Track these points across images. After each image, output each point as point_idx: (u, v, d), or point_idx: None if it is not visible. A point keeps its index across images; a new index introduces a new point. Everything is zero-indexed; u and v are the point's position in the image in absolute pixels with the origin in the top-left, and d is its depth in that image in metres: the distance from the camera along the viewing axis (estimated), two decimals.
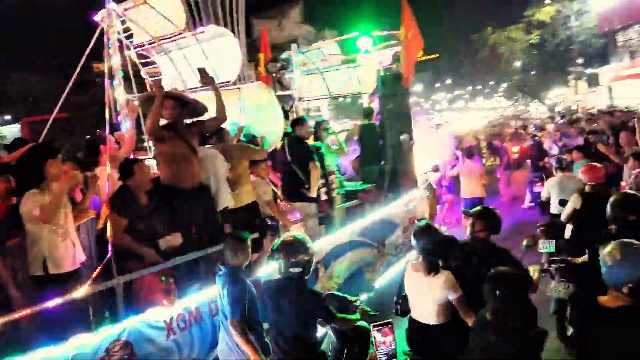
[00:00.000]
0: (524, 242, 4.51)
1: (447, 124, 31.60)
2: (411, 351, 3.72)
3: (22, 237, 3.63)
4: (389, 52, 8.19)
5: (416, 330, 3.69)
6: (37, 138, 5.82)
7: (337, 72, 8.00)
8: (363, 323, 3.87)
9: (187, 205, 4.45)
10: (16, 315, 3.17)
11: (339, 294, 4.32)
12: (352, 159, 8.06)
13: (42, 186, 3.62)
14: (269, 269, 4.37)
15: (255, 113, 5.35)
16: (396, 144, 7.47)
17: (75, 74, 5.00)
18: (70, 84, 5.07)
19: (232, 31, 5.74)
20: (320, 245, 5.44)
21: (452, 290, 3.50)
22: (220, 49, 5.19)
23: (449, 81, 51.94)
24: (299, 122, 5.74)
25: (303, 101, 8.31)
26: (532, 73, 36.60)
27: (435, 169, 8.57)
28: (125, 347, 3.40)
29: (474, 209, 4.12)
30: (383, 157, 7.54)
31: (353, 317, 3.81)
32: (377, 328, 3.49)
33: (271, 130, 5.60)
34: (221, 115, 4.50)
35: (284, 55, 7.93)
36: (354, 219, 6.24)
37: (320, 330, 3.91)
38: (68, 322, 3.38)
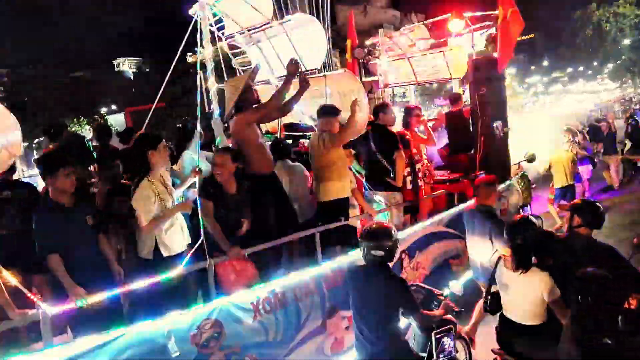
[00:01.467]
0: (635, 241, 4.07)
1: (541, 109, 29.60)
2: (501, 349, 3.53)
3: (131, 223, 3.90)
4: (483, 34, 7.74)
5: (508, 330, 3.49)
6: (140, 126, 6.23)
7: (425, 57, 7.71)
8: (448, 316, 3.70)
9: (268, 190, 4.58)
10: (118, 291, 3.42)
11: (425, 285, 4.22)
12: (441, 147, 7.79)
13: (149, 175, 3.86)
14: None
15: (340, 100, 5.31)
16: (488, 132, 7.09)
17: (172, 65, 5.24)
18: (169, 75, 5.36)
19: (318, 19, 5.72)
20: (405, 235, 5.34)
21: (548, 291, 3.26)
22: (307, 36, 5.19)
23: (545, 63, 48.40)
24: (382, 108, 5.60)
25: (390, 87, 8.13)
26: None
27: (531, 158, 8.00)
28: (215, 325, 3.56)
29: (573, 202, 3.79)
30: (473, 145, 7.20)
31: (436, 313, 3.65)
32: (437, 335, 3.34)
33: (357, 117, 5.51)
34: (287, 109, 4.61)
35: (370, 41, 7.79)
36: (441, 209, 6.04)
37: (404, 320, 3.74)
38: (165, 300, 3.60)
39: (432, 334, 3.35)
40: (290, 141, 5.55)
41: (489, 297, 3.71)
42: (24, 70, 34.03)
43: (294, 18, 5.08)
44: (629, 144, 12.25)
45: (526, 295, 3.35)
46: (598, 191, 11.46)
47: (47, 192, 3.66)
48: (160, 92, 5.39)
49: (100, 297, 3.25)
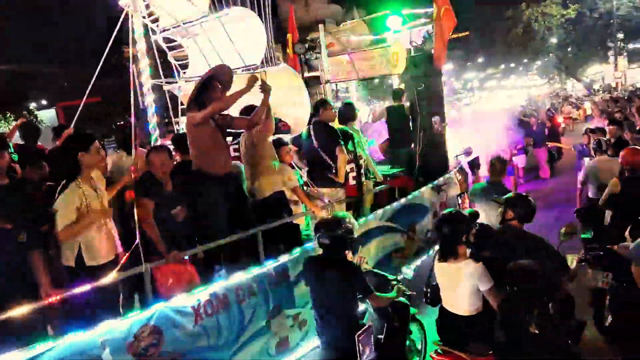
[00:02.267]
0: (562, 230, 4.31)
1: (477, 104, 30.88)
2: (441, 341, 3.63)
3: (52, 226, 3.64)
4: (420, 31, 7.91)
5: (447, 321, 3.59)
6: (69, 120, 5.90)
7: (366, 53, 7.78)
8: (401, 299, 3.93)
9: (216, 191, 4.45)
10: (47, 301, 3.21)
11: (379, 271, 4.44)
12: (381, 142, 7.90)
13: (78, 178, 3.62)
14: None
15: (280, 96, 5.24)
16: (427, 127, 7.27)
17: (102, 59, 4.97)
18: (99, 68, 5.07)
19: (259, 12, 5.61)
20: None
21: (482, 280, 3.38)
22: (245, 31, 5.08)
23: (480, 60, 50.44)
24: (322, 104, 5.59)
25: (331, 83, 8.15)
26: (568, 50, 35.14)
27: (468, 152, 8.30)
28: (154, 331, 3.42)
29: (506, 196, 3.95)
30: (413, 140, 7.36)
31: (389, 295, 3.85)
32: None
33: (297, 113, 5.49)
34: (256, 120, 4.55)
35: (310, 37, 7.77)
36: (383, 204, 6.12)
37: (362, 306, 3.97)
38: (98, 309, 3.41)
39: (355, 336, 3.45)
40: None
41: (428, 289, 3.81)
42: None
43: (231, 12, 4.95)
44: None
45: (461, 286, 3.45)
46: (531, 179, 12.26)
47: None
48: (90, 86, 5.09)
49: (20, 309, 3.02)
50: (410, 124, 7.45)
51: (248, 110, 4.84)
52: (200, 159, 4.45)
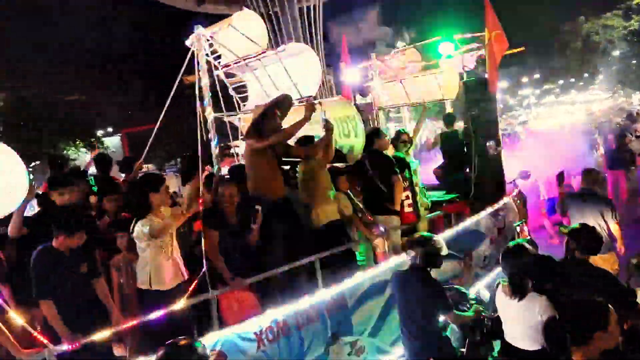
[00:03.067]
0: (633, 261, 4.11)
1: (534, 121, 29.87)
2: None
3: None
4: (472, 55, 7.90)
5: (510, 355, 3.52)
6: (135, 148, 6.30)
7: (418, 79, 7.84)
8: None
9: (271, 215, 4.63)
10: (121, 327, 3.44)
11: (458, 287, 4.66)
12: (436, 168, 7.89)
13: (149, 216, 3.93)
14: None
15: (336, 126, 5.40)
16: (482, 151, 7.20)
17: (172, 91, 5.29)
18: (169, 100, 5.41)
19: (311, 42, 5.81)
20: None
21: (547, 314, 3.30)
22: (301, 64, 5.31)
23: (537, 75, 48.99)
24: (376, 135, 5.71)
25: (383, 109, 8.26)
26: (633, 62, 33.48)
27: (525, 176, 8.09)
28: (220, 356, 3.57)
29: (571, 226, 3.85)
30: (468, 165, 7.29)
31: (467, 314, 4.05)
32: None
33: (352, 143, 5.61)
34: (313, 153, 4.90)
35: (362, 65, 7.94)
36: (439, 231, 6.08)
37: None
38: (167, 333, 3.61)
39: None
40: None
41: (490, 322, 3.75)
42: (23, 92, 34.19)
43: (288, 47, 5.19)
44: None
45: (525, 320, 3.38)
46: None
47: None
48: (162, 115, 5.44)
49: (101, 335, 3.26)
50: (465, 149, 7.40)
51: (306, 140, 5.03)
52: (256, 184, 4.67)
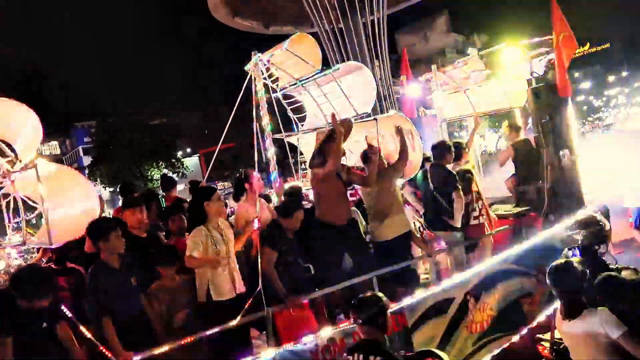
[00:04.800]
0: None
1: (623, 122, 27.69)
2: None
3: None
4: (541, 60, 7.49)
5: None
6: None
7: (482, 88, 7.57)
8: None
9: (337, 240, 4.68)
10: (179, 343, 3.57)
11: (435, 352, 3.77)
12: (507, 179, 7.53)
13: (206, 224, 4.12)
14: None
15: (393, 142, 5.35)
16: (555, 161, 6.77)
17: (233, 112, 5.53)
18: (230, 120, 5.67)
19: (377, 55, 5.82)
20: (469, 276, 5.17)
21: (612, 326, 3.02)
22: (356, 82, 5.34)
23: (625, 73, 45.39)
24: (438, 147, 5.56)
25: (448, 121, 8.05)
26: None
27: (608, 184, 7.48)
28: None
29: None
30: (540, 175, 6.88)
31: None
32: None
33: (411, 158, 5.52)
34: (370, 183, 4.88)
35: (424, 77, 7.81)
36: (508, 246, 5.78)
37: None
38: (225, 346, 3.75)
39: None
40: None
41: (554, 352, 3.51)
42: (108, 120, 37.32)
43: (342, 66, 5.25)
44: None
45: (588, 340, 3.11)
46: None
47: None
48: (223, 136, 5.71)
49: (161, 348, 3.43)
50: (538, 158, 6.99)
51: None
52: (323, 209, 4.75)
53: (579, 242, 4.28)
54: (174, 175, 34.64)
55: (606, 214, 7.50)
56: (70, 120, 51.18)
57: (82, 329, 3.20)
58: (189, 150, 39.63)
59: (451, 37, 44.31)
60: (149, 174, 35.42)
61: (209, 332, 3.60)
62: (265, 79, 5.55)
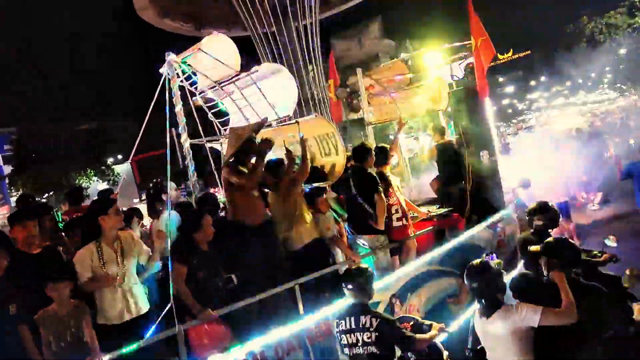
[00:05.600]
0: (627, 272, 3.87)
1: (545, 124, 29.45)
2: None
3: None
4: (461, 64, 7.73)
5: None
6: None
7: (407, 92, 7.69)
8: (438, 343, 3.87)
9: (252, 242, 4.49)
10: None
11: (410, 316, 4.36)
12: (431, 180, 7.67)
13: (100, 240, 3.81)
14: None
15: (315, 145, 5.26)
16: (476, 162, 6.97)
17: (146, 118, 5.23)
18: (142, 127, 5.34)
19: (311, 60, 5.70)
20: (394, 279, 5.16)
21: (529, 314, 3.09)
22: (276, 85, 5.20)
23: (543, 78, 48.48)
24: (363, 150, 5.51)
25: (373, 125, 8.11)
26: None
27: (526, 184, 7.81)
28: None
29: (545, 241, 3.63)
30: (463, 177, 7.06)
31: (431, 334, 3.77)
32: None
33: (332, 160, 5.45)
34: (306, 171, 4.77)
35: (350, 81, 7.82)
36: (431, 247, 5.85)
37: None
38: None
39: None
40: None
41: (472, 353, 3.53)
42: (31, 125, 35.04)
43: (261, 68, 5.10)
44: None
45: (508, 340, 3.15)
46: None
47: None
48: (135, 146, 5.39)
49: None
50: (460, 160, 7.17)
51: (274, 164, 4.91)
52: (235, 211, 4.54)
53: (535, 226, 4.58)
54: (104, 184, 32.96)
55: (525, 212, 7.84)
56: None
57: None
58: (120, 157, 37.88)
59: (385, 43, 45.29)
60: (77, 182, 33.47)
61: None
62: (182, 81, 5.28)
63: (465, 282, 3.44)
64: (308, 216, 4.77)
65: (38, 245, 3.92)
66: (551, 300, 3.23)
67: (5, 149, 39.08)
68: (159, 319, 3.64)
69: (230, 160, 4.56)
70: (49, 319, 3.50)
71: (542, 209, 4.70)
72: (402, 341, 3.57)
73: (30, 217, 3.78)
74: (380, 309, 4.94)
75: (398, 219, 5.72)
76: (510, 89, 42.35)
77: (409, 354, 3.88)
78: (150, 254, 4.32)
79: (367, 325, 3.56)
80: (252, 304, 4.32)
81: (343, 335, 3.74)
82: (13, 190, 33.10)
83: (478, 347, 3.55)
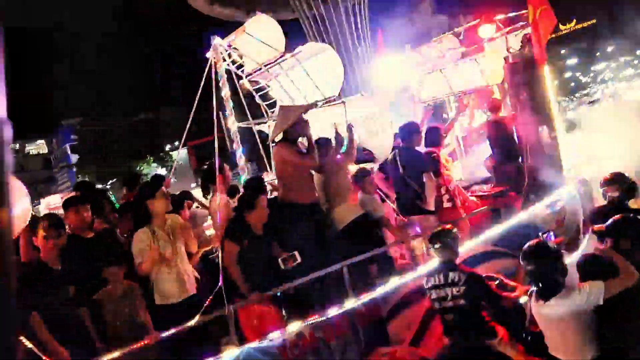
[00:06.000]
0: None
1: (611, 97, 27.60)
2: None
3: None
4: (517, 36, 7.28)
5: None
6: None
7: (458, 67, 7.36)
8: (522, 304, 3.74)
9: (304, 219, 4.49)
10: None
11: (494, 276, 4.14)
12: (485, 159, 7.34)
13: (151, 224, 3.90)
14: None
15: (362, 125, 5.14)
16: (534, 139, 6.58)
17: (195, 104, 5.28)
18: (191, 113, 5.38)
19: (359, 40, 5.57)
20: None
21: (596, 290, 2.89)
22: (321, 65, 5.11)
23: (610, 48, 45.20)
24: (406, 129, 5.34)
25: (424, 101, 7.84)
26: None
27: (590, 161, 7.30)
28: None
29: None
30: (520, 154, 6.70)
31: (516, 294, 3.73)
32: None
33: (379, 140, 5.32)
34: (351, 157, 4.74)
35: (398, 58, 7.58)
36: (485, 227, 5.62)
37: None
38: (182, 351, 3.56)
39: None
40: None
41: (529, 337, 3.36)
42: (92, 117, 36.95)
43: (305, 48, 5.02)
44: None
45: (571, 325, 2.96)
46: None
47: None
48: (186, 132, 5.49)
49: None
50: (516, 137, 6.82)
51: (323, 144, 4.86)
52: (289, 190, 4.56)
53: (608, 198, 4.31)
54: (163, 170, 34.31)
55: (588, 190, 7.37)
56: (55, 119, 50.54)
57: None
58: (176, 143, 39.27)
59: (437, 19, 43.86)
60: (137, 169, 35.08)
61: (158, 336, 3.41)
62: (228, 65, 5.30)
63: (522, 263, 3.25)
64: (354, 197, 4.69)
65: (95, 228, 4.10)
66: None
67: (72, 138, 41.50)
68: (210, 299, 3.71)
69: (282, 140, 4.57)
70: (107, 298, 3.66)
71: (618, 178, 4.39)
72: (490, 296, 3.66)
73: (82, 202, 3.92)
74: None
75: (448, 200, 5.54)
76: (573, 60, 39.81)
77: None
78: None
79: (456, 280, 3.77)
80: (302, 285, 4.33)
81: (433, 291, 3.94)
82: (80, 178, 35.13)
83: (535, 331, 3.37)
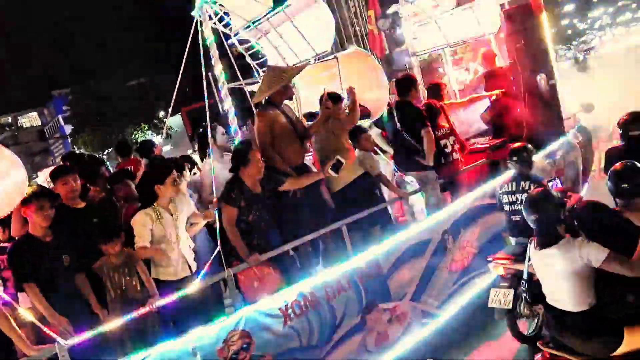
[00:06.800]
0: None
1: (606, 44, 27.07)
2: (549, 343, 3.16)
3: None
4: None
5: (553, 319, 3.10)
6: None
7: (453, 16, 7.10)
8: None
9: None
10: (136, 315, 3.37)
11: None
12: (482, 112, 7.20)
13: (153, 206, 3.82)
14: None
15: (354, 80, 4.97)
16: (532, 87, 6.44)
17: (182, 67, 5.11)
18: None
19: None
20: (446, 215, 4.98)
21: (592, 253, 2.83)
22: (311, 19, 4.90)
23: None
24: (402, 82, 5.17)
25: (419, 55, 7.62)
26: None
27: (588, 109, 7.17)
28: (243, 336, 3.48)
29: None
30: (517, 104, 6.57)
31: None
32: None
33: (374, 95, 5.17)
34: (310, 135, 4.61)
35: (391, 10, 7.31)
36: (484, 181, 5.57)
37: None
38: (186, 317, 3.56)
39: None
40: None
41: (527, 285, 3.35)
42: (83, 86, 36.31)
43: (294, 2, 4.79)
44: None
45: (568, 274, 2.94)
46: None
47: None
48: (174, 97, 5.35)
49: (113, 324, 3.24)
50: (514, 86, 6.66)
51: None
52: (276, 153, 4.45)
53: (631, 136, 4.18)
54: (157, 137, 34.00)
55: (588, 138, 7.30)
56: (47, 89, 49.72)
57: (22, 311, 2.99)
58: (170, 110, 38.81)
59: None
60: (132, 137, 34.76)
61: (162, 303, 3.41)
62: (215, 23, 5.08)
63: (523, 213, 3.20)
64: (352, 154, 4.60)
65: (92, 197, 4.03)
66: (623, 241, 2.89)
67: (64, 109, 40.92)
68: (208, 265, 3.69)
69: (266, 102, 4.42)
70: (106, 267, 3.63)
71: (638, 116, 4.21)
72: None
73: (70, 172, 3.83)
74: (432, 247, 4.83)
75: (448, 154, 5.45)
76: (569, 7, 38.80)
77: None
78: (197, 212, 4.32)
79: (527, 188, 4.34)
80: (302, 246, 4.31)
81: (504, 195, 4.56)
82: (75, 149, 34.85)
83: (533, 279, 3.37)
